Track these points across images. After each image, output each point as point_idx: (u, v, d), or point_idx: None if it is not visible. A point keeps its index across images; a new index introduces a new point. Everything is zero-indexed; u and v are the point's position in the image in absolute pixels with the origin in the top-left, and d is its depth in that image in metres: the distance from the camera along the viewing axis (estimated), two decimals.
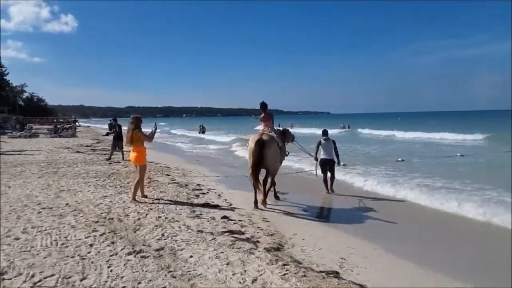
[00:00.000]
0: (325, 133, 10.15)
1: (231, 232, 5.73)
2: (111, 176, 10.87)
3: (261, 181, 7.84)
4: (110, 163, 14.17)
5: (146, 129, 8.59)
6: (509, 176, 11.58)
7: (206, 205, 7.59)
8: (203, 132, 43.35)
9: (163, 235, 5.49)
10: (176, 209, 7.08)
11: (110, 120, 41.15)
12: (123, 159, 15.17)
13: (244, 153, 20.37)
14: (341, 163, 10.47)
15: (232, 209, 7.43)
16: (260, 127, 8.78)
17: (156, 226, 5.94)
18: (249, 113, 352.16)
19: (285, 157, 8.95)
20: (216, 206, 7.56)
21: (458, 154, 17.67)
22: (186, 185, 9.88)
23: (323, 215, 8.01)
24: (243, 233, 5.75)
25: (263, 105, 8.65)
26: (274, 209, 7.91)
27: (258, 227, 6.24)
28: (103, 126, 61.25)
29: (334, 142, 10.03)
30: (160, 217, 6.49)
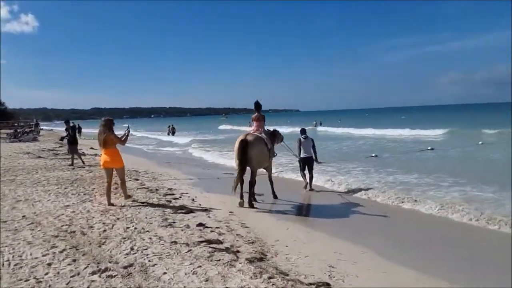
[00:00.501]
0: (303, 131, 10.27)
1: (208, 241, 5.24)
2: (74, 183, 10.08)
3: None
4: (73, 168, 13.28)
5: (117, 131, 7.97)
6: (479, 169, 11.72)
7: (179, 211, 7.06)
8: (173, 133, 42.23)
9: (132, 249, 4.92)
10: (146, 218, 6.50)
11: (72, 123, 39.60)
12: (83, 164, 14.26)
13: (200, 153, 20.06)
14: (319, 161, 10.30)
15: (208, 215, 6.93)
16: (253, 128, 8.67)
17: (124, 238, 5.35)
18: (218, 112, 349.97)
19: (273, 157, 8.81)
20: (190, 212, 7.03)
21: (429, 148, 17.95)
22: (157, 189, 9.28)
23: (304, 217, 7.65)
24: (221, 242, 5.27)
25: (257, 105, 8.59)
26: (253, 212, 7.50)
27: (237, 234, 5.77)
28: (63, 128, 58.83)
29: (312, 140, 10.13)
30: (128, 227, 5.90)
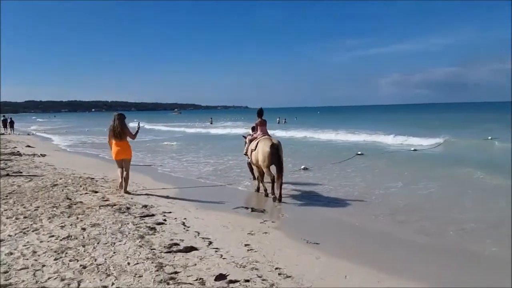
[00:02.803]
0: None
1: None
2: (7, 199, 7.38)
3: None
4: (7, 174, 10.36)
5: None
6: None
7: (174, 248, 4.85)
8: None
9: None
10: (129, 265, 4.22)
11: (4, 116, 34.69)
12: None
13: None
14: None
15: (219, 253, 4.79)
16: (259, 132, 9.13)
17: None
18: (165, 108, 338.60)
19: None
20: (191, 249, 4.85)
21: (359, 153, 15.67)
22: (128, 208, 6.91)
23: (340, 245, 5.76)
24: None
25: (260, 112, 9.19)
26: (274, 240, 5.47)
27: None
28: None
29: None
30: None
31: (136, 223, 5.92)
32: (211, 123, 53.60)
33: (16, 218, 5.99)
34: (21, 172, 10.79)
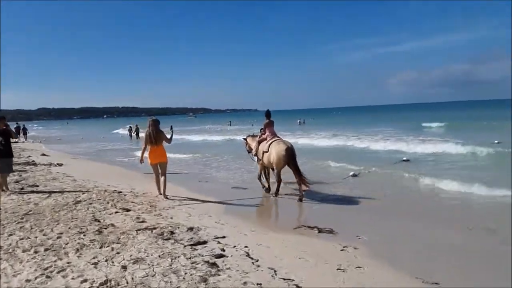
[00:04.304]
0: None
1: None
2: (23, 222, 6.11)
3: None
4: (22, 188, 9.15)
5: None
6: None
7: None
8: (137, 135, 37.43)
9: None
10: None
11: (17, 124, 33.89)
12: (6, 189, 8.64)
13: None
14: None
15: None
16: (267, 134, 9.20)
17: None
18: (174, 112, 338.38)
19: None
20: None
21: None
22: (172, 232, 5.55)
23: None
24: None
25: (268, 113, 9.31)
26: None
27: None
28: None
29: None
30: None
31: (189, 256, 4.55)
32: (230, 125, 53.80)
33: (35, 252, 4.69)
34: (37, 186, 9.57)
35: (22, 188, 9.15)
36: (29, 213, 6.68)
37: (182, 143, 26.67)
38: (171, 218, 6.49)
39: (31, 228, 5.71)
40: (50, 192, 8.58)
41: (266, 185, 9.22)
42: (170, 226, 5.86)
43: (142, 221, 6.15)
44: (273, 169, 8.86)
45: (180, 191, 9.04)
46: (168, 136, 8.58)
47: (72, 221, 6.13)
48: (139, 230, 5.63)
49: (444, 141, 18.05)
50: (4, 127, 8.67)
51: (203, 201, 8.03)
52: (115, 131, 51.83)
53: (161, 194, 8.24)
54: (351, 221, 6.67)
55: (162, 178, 8.28)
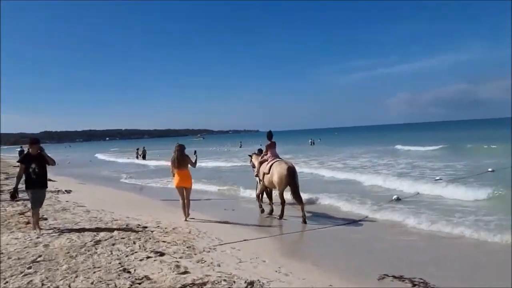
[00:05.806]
0: None
1: None
2: (35, 267, 4.74)
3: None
4: (28, 222, 7.77)
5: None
6: None
7: None
8: (144, 157, 36.21)
9: None
10: None
11: (21, 147, 32.71)
12: (37, 227, 7.19)
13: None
14: None
15: None
16: (269, 155, 9.12)
17: None
18: (178, 134, 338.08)
19: None
20: None
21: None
22: None
23: None
24: None
25: (270, 134, 9.35)
26: None
27: None
28: (12, 154, 50.07)
29: None
30: None
31: None
32: (240, 147, 52.12)
33: None
34: (46, 219, 8.23)
35: (28, 223, 7.79)
36: (38, 259, 5.31)
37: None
38: (219, 265, 5.11)
39: (42, 286, 4.34)
40: (63, 231, 7.19)
41: (263, 207, 9.28)
42: (224, 280, 4.49)
43: (185, 272, 4.77)
44: (273, 189, 8.95)
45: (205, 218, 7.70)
46: (193, 160, 8.71)
47: (94, 272, 4.76)
48: (185, 287, 4.26)
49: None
50: (38, 151, 7.35)
51: (245, 240, 6.63)
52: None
53: (187, 220, 8.27)
54: (424, 263, 5.27)
55: (186, 201, 8.43)
